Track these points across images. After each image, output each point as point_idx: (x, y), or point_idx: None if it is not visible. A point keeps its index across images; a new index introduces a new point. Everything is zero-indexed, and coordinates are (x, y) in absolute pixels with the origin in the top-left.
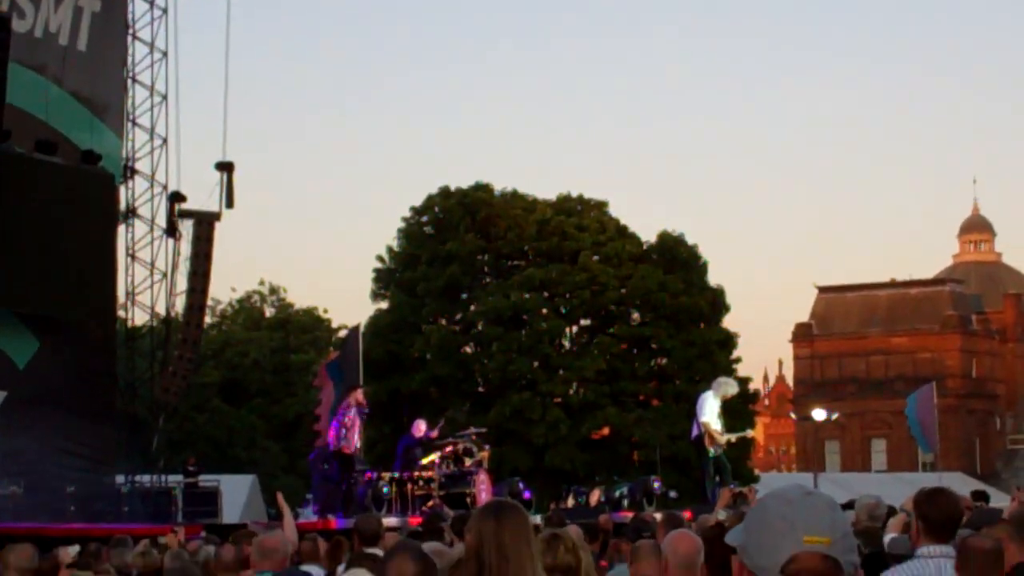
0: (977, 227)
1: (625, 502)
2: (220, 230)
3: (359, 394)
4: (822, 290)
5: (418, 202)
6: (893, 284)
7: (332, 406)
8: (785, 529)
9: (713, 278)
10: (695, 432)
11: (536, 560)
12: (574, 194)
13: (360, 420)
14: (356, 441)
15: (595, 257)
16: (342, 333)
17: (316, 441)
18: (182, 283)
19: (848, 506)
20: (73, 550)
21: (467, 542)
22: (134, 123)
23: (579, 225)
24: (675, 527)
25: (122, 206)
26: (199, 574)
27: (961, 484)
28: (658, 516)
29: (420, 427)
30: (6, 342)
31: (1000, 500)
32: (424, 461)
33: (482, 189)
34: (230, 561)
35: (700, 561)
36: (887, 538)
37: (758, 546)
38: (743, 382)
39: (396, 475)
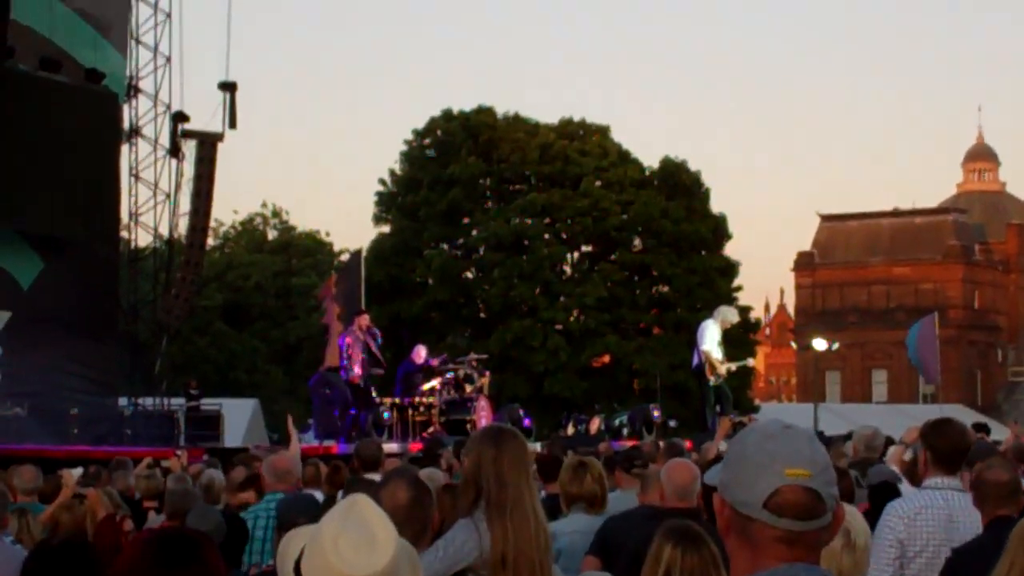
0: (981, 156)
1: (625, 430)
2: (223, 151)
3: (363, 319)
4: (824, 218)
5: (420, 125)
6: (896, 213)
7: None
8: (766, 463)
9: (715, 205)
10: (696, 361)
11: (533, 487)
12: (576, 118)
13: (373, 343)
14: (359, 369)
15: (597, 182)
16: (344, 257)
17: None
18: (185, 204)
19: (847, 437)
20: (77, 472)
21: (465, 467)
22: (138, 42)
23: (581, 150)
24: (675, 456)
25: (125, 125)
26: (200, 496)
27: (962, 416)
28: (661, 444)
29: (420, 353)
30: (11, 262)
31: (1001, 432)
32: (425, 387)
33: (484, 112)
34: (240, 481)
35: (696, 489)
36: (871, 468)
37: (739, 481)
38: (744, 311)
39: (397, 400)
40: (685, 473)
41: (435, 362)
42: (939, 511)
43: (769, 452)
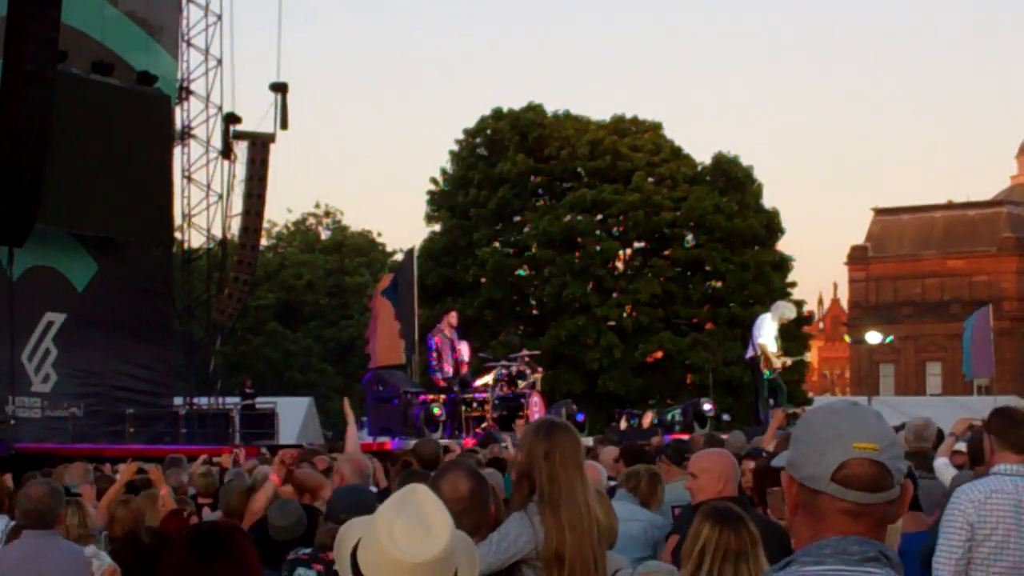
0: None
1: (677, 425)
2: (275, 151)
3: (452, 318)
4: (878, 212)
5: (471, 124)
6: (950, 206)
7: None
8: (833, 437)
9: (768, 200)
10: (750, 353)
11: (587, 480)
12: (628, 115)
13: (455, 342)
14: (449, 367)
15: (649, 179)
16: (397, 256)
17: (369, 363)
18: (237, 205)
19: (899, 429)
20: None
21: (518, 461)
22: (189, 44)
23: (633, 146)
24: (712, 447)
25: (177, 127)
26: (247, 485)
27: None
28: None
29: (463, 350)
30: (65, 265)
31: None
32: (477, 383)
33: (534, 110)
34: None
35: (727, 476)
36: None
37: (806, 457)
38: (797, 305)
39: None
40: (713, 461)
41: (464, 368)
42: (1008, 496)
43: (837, 427)
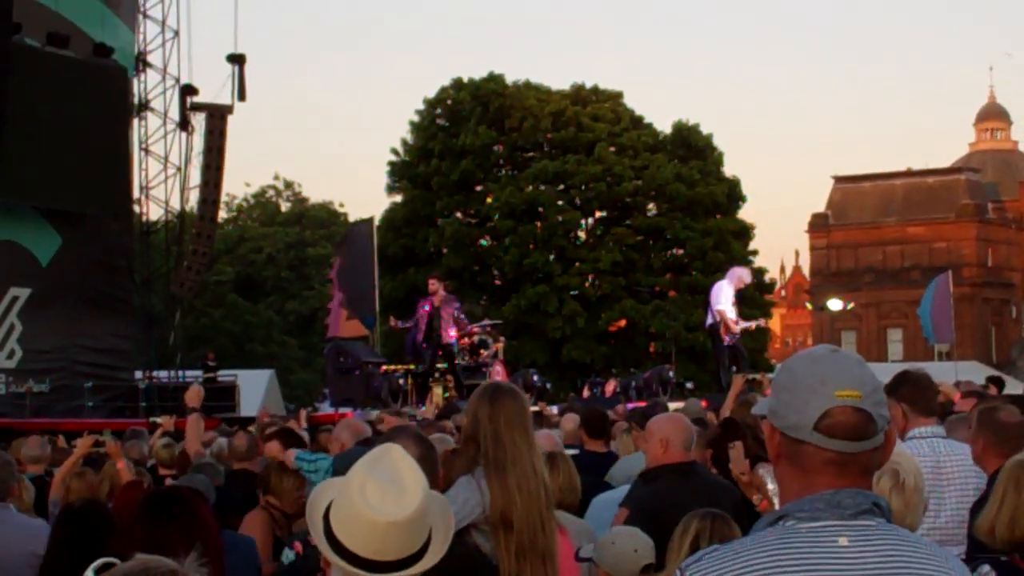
0: (993, 115)
1: (641, 392)
2: (234, 124)
3: (430, 285)
4: (838, 180)
5: (431, 94)
6: (909, 173)
7: (347, 302)
8: (815, 385)
9: (729, 169)
10: (709, 320)
11: (534, 444)
12: (588, 84)
13: (436, 310)
14: (440, 332)
15: (610, 148)
16: None
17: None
18: (195, 177)
19: None
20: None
21: (463, 426)
22: (145, 16)
23: (594, 116)
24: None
25: (135, 100)
26: (220, 468)
27: (976, 373)
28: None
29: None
30: (30, 239)
31: (1015, 388)
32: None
33: (494, 80)
34: (244, 450)
35: (668, 441)
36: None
37: (789, 405)
38: (759, 273)
39: (412, 367)
40: (662, 425)
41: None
42: (926, 459)
43: (818, 375)
